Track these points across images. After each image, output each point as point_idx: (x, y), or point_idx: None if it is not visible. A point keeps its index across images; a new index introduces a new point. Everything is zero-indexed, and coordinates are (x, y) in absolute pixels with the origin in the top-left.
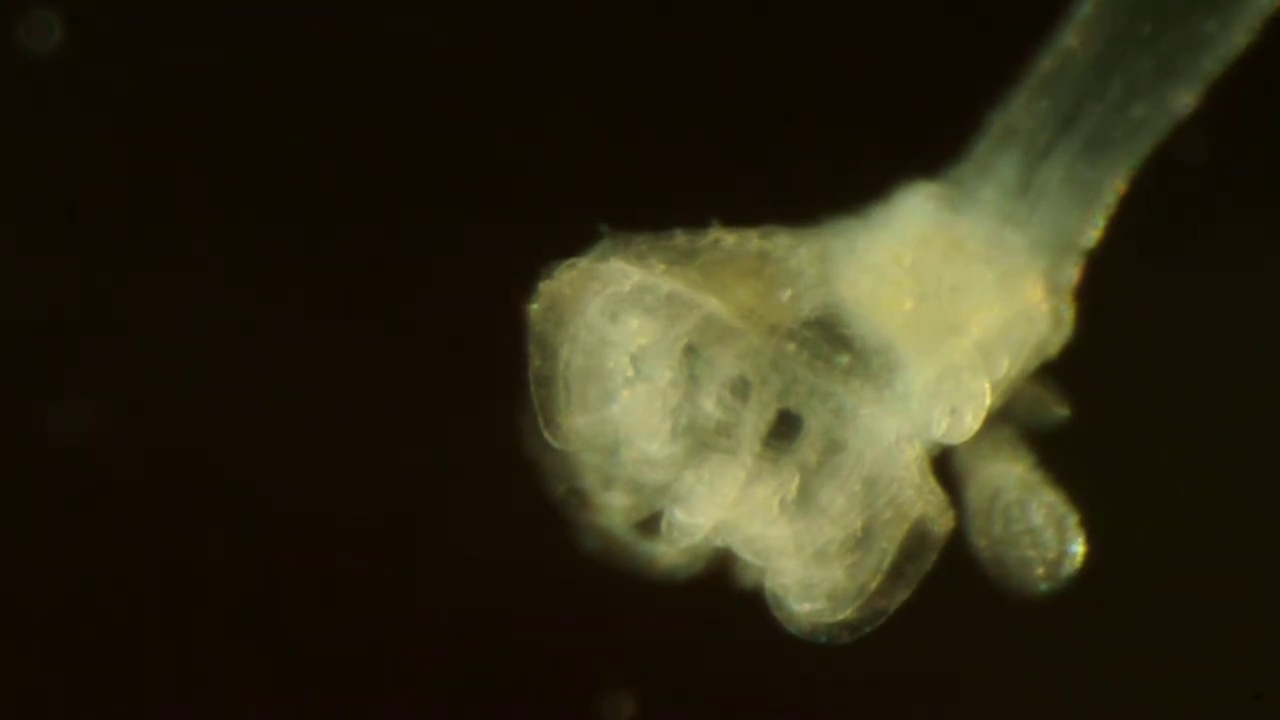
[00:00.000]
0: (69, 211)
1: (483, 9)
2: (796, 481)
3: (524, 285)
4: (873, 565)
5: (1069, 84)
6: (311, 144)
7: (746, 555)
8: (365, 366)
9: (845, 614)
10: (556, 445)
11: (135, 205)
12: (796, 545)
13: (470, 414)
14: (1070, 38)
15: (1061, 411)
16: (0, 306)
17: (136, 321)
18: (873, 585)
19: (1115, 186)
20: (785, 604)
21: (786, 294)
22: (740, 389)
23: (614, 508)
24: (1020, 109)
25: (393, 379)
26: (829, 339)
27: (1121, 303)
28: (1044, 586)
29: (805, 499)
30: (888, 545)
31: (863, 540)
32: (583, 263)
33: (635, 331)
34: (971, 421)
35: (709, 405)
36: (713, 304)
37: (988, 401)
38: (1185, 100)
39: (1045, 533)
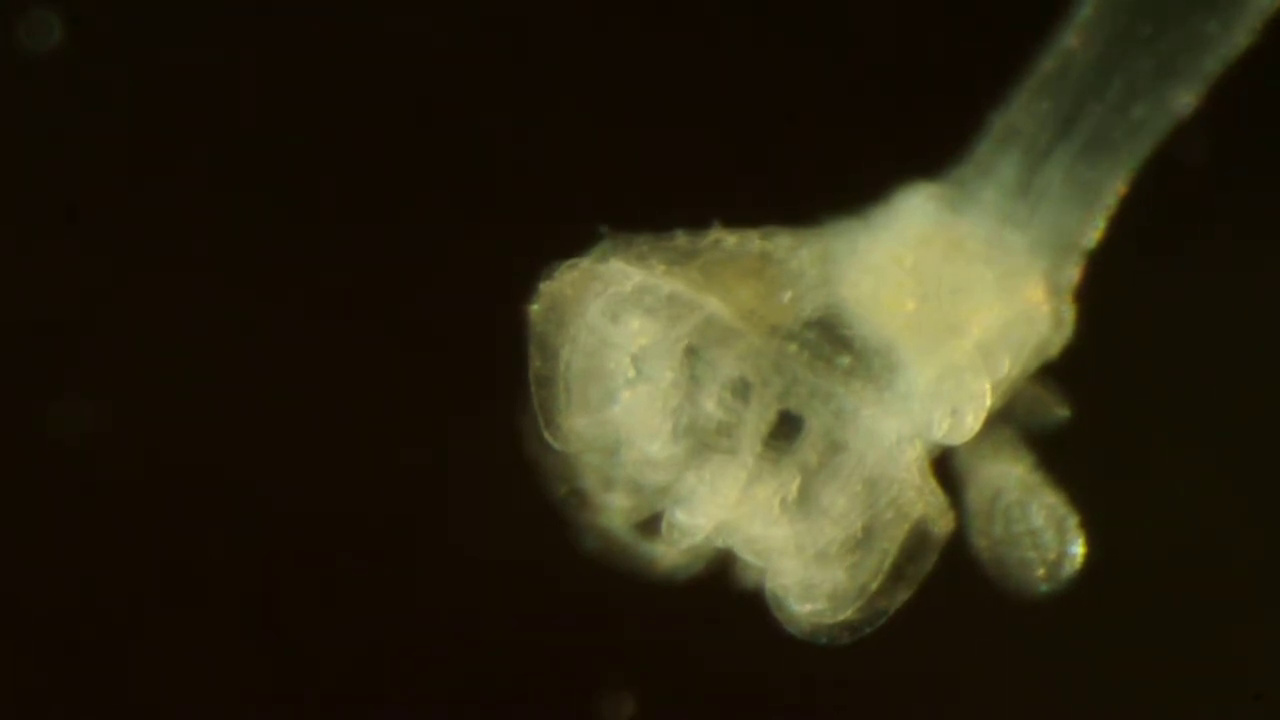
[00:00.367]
0: (69, 211)
1: (483, 9)
2: (797, 482)
3: (524, 285)
4: (873, 566)
5: (1069, 84)
6: (311, 144)
7: (747, 556)
8: (365, 366)
9: (846, 615)
10: (557, 446)
11: (135, 205)
12: (797, 546)
13: (470, 414)
14: (1071, 38)
15: (1061, 411)
16: (0, 306)
17: (136, 321)
18: (873, 586)
19: (1115, 187)
20: (786, 605)
21: (787, 295)
22: (741, 390)
23: (614, 508)
24: (1021, 109)
25: (393, 379)
26: (830, 340)
27: (1121, 303)
28: (1044, 587)
29: (806, 500)
30: (888, 546)
31: (863, 541)
32: (583, 263)
33: (636, 332)
34: (972, 422)
35: (710, 406)
36: (714, 305)
37: (988, 402)
38: (1185, 100)
39: (1045, 534)
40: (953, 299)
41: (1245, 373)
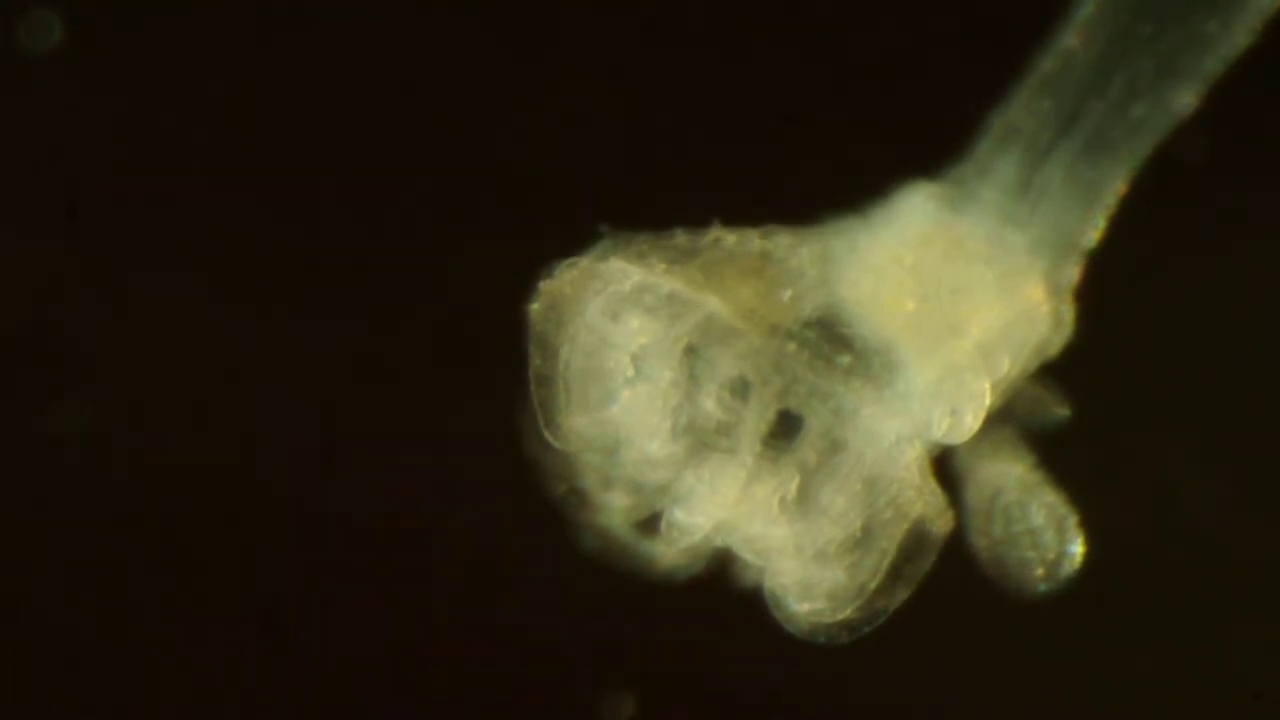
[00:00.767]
0: (69, 211)
1: (484, 9)
2: (796, 481)
3: (524, 285)
4: (872, 565)
5: (1070, 84)
6: (311, 144)
7: (746, 555)
8: (365, 366)
9: (845, 614)
10: (557, 445)
11: (135, 205)
12: (796, 545)
13: (470, 414)
14: (1071, 38)
15: (1061, 411)
16: (0, 306)
17: (136, 321)
18: (872, 585)
19: (1116, 186)
20: (785, 604)
21: (787, 294)
22: (741, 389)
23: (614, 508)
24: (1021, 109)
25: (393, 379)
26: (830, 339)
27: (1121, 303)
28: (1043, 587)
29: (805, 499)
30: (887, 545)
31: (862, 540)
32: (583, 262)
33: (636, 331)
34: (972, 422)
35: (709, 405)
36: (713, 304)
37: (988, 402)
38: (1185, 100)
39: (1045, 533)
40: (953, 299)
41: (1245, 372)
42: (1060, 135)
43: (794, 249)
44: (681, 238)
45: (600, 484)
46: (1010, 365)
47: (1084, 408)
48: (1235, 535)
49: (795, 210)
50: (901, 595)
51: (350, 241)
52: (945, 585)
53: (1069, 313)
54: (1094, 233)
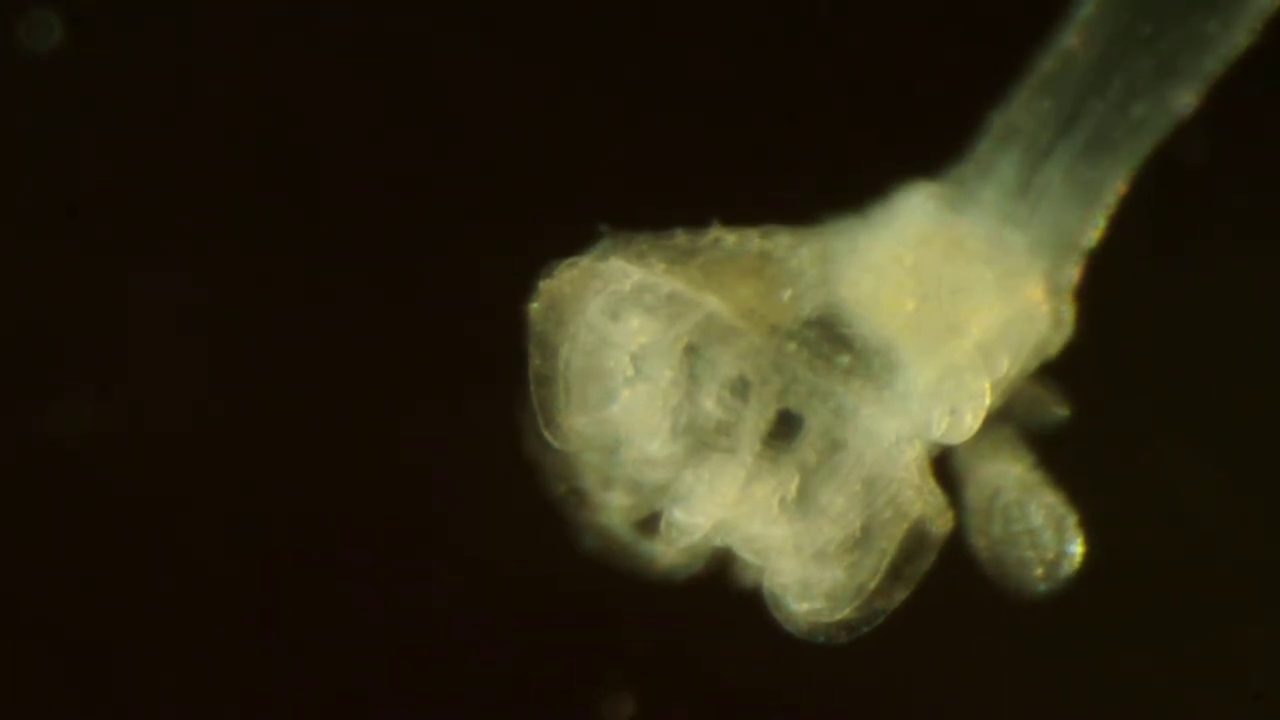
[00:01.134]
0: (69, 211)
1: (483, 9)
2: (796, 481)
3: (524, 285)
4: (872, 565)
5: (1070, 84)
6: (311, 143)
7: (746, 555)
8: (365, 366)
9: (844, 614)
10: (556, 445)
11: (135, 205)
12: (795, 545)
13: (470, 414)
14: (1071, 38)
15: (1061, 411)
16: (0, 306)
17: (136, 321)
18: (871, 585)
19: (1116, 186)
20: (784, 603)
21: (787, 294)
22: (740, 388)
23: (614, 507)
24: (1021, 109)
25: (393, 379)
26: (829, 339)
27: (1121, 303)
28: (1043, 587)
29: (805, 499)
30: (887, 545)
31: (862, 540)
32: (583, 262)
33: (636, 331)
34: (971, 422)
35: (709, 405)
36: (713, 303)
37: (988, 401)
38: (1185, 100)
39: (1044, 533)
40: (953, 298)
41: (1245, 373)
42: (1060, 135)
43: (794, 249)
44: (681, 238)
45: (600, 484)
46: (1010, 365)
47: (1084, 408)
48: (1235, 535)
49: (795, 210)
50: (900, 595)
51: (350, 241)
52: (945, 585)
53: (1069, 313)
54: (1094, 233)
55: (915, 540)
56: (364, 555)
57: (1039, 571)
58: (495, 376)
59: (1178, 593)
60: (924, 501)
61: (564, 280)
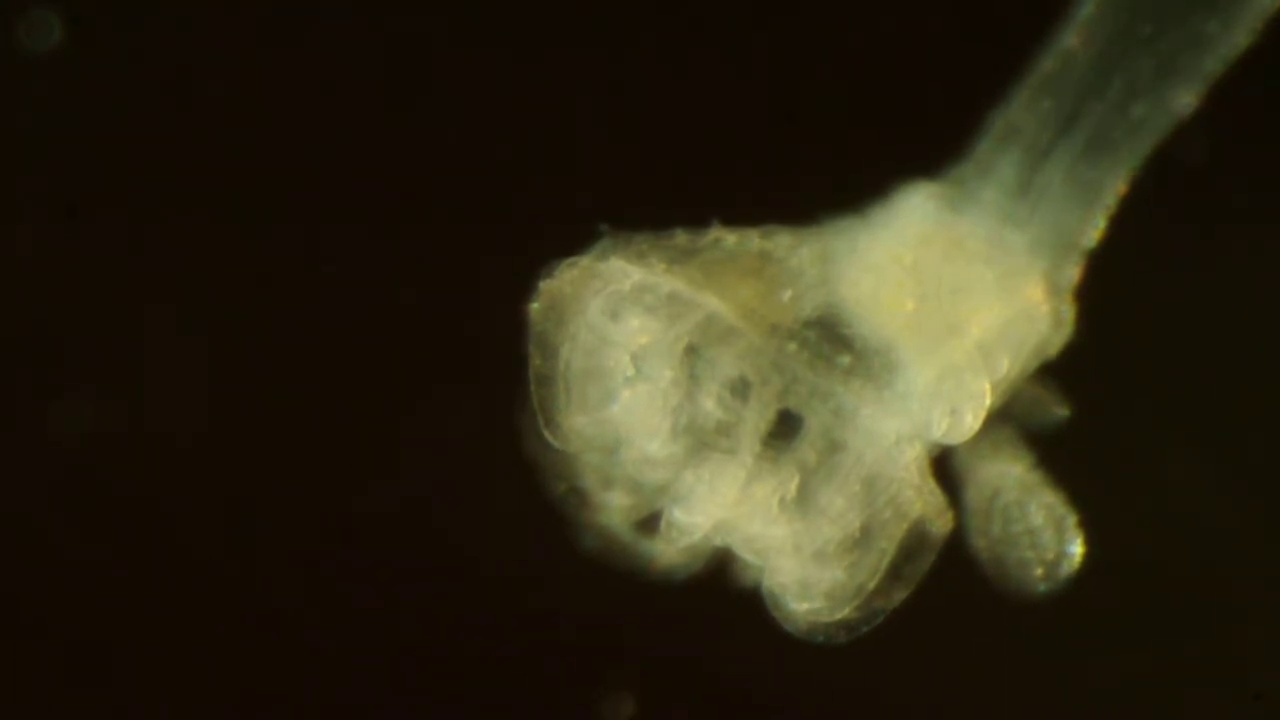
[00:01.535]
0: (69, 211)
1: (483, 9)
2: (796, 481)
3: (524, 285)
4: (871, 565)
5: (1070, 84)
6: (311, 144)
7: (745, 554)
8: (365, 366)
9: (843, 613)
10: (557, 445)
11: (135, 205)
12: (795, 545)
13: (470, 414)
14: (1071, 38)
15: (1061, 411)
16: (0, 306)
17: (136, 321)
18: (871, 585)
19: (1116, 186)
20: (784, 603)
21: (787, 294)
22: (741, 389)
23: (614, 507)
24: (1021, 109)
25: (393, 379)
26: (830, 339)
27: (1121, 303)
28: (1042, 587)
29: (805, 499)
30: (886, 545)
31: (861, 540)
32: (583, 262)
33: (636, 331)
34: (972, 422)
35: (709, 405)
36: (713, 303)
37: (988, 402)
38: (1185, 100)
39: (1044, 533)
40: (953, 298)
41: (1245, 373)
42: (1060, 135)
43: (794, 249)
44: (681, 238)
45: (600, 484)
46: (1010, 365)
47: (1084, 408)
48: (1235, 535)
49: (795, 210)
50: (900, 595)
51: (350, 241)
52: (945, 585)
53: (1069, 313)
54: (1094, 233)
55: (915, 540)
56: (364, 555)
57: (1039, 572)
58: (495, 376)
59: (1178, 593)
60: (924, 502)
61: (564, 280)
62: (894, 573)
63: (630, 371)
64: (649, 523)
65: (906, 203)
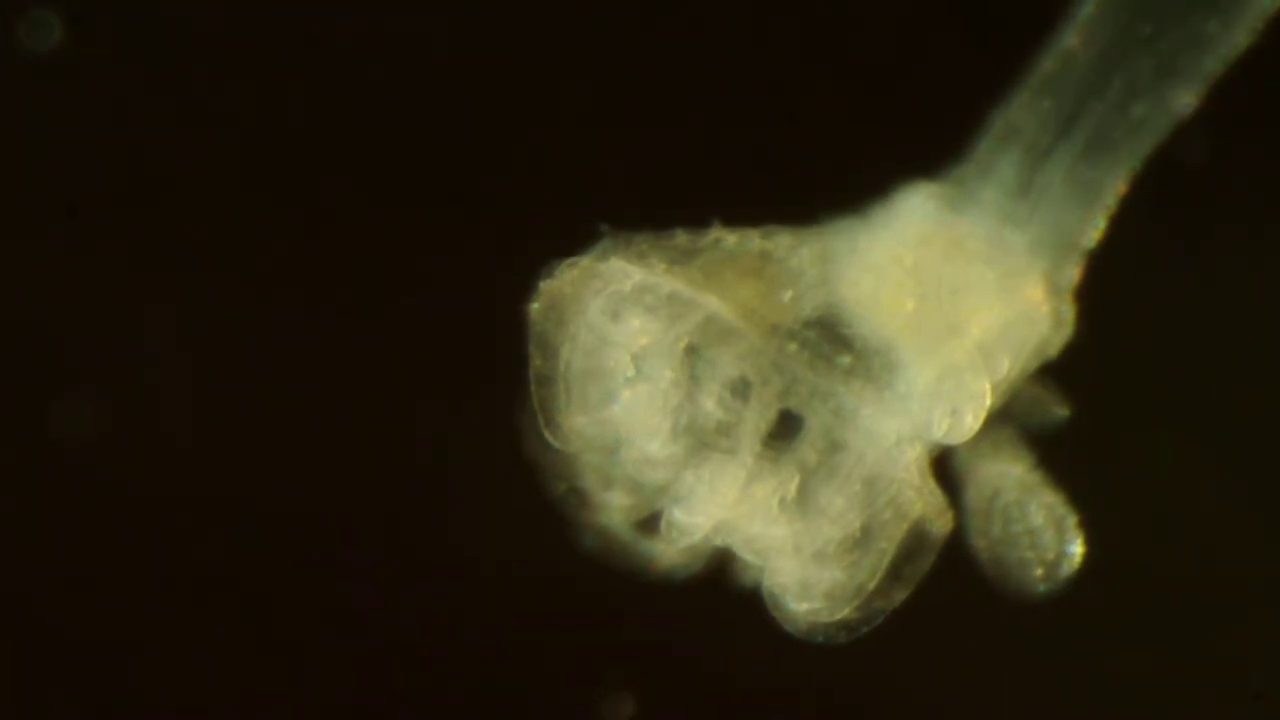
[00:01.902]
0: (69, 211)
1: (483, 9)
2: (796, 482)
3: (524, 285)
4: (871, 565)
5: (1070, 84)
6: (311, 143)
7: (745, 555)
8: (365, 367)
9: (843, 614)
10: (557, 445)
11: (135, 205)
12: (795, 545)
13: (470, 414)
14: (1071, 38)
15: (1061, 411)
16: (0, 306)
17: (136, 321)
18: (871, 585)
19: (1116, 186)
20: (783, 603)
21: (788, 294)
22: (741, 389)
23: (614, 507)
24: (1021, 109)
25: (393, 379)
26: (830, 339)
27: (1121, 303)
28: (1043, 587)
29: (805, 499)
30: (886, 545)
31: (861, 540)
32: (584, 262)
33: (636, 331)
34: (972, 422)
35: (710, 405)
36: (714, 304)
37: (988, 402)
38: (1186, 100)
39: (1044, 534)
40: (953, 299)
41: (1245, 373)
42: (1060, 135)
43: (794, 249)
44: (682, 238)
45: (600, 484)
46: (1010, 365)
47: (1084, 408)
48: (1235, 535)
49: (795, 210)
50: (900, 595)
51: (350, 241)
52: (945, 585)
53: (1069, 313)
54: (1094, 233)
55: (915, 541)
56: (364, 555)
57: (1039, 572)
58: (495, 376)
59: (1178, 593)
60: (924, 502)
61: (564, 280)
62: (894, 573)
63: (630, 372)
64: (649, 523)
65: (906, 203)
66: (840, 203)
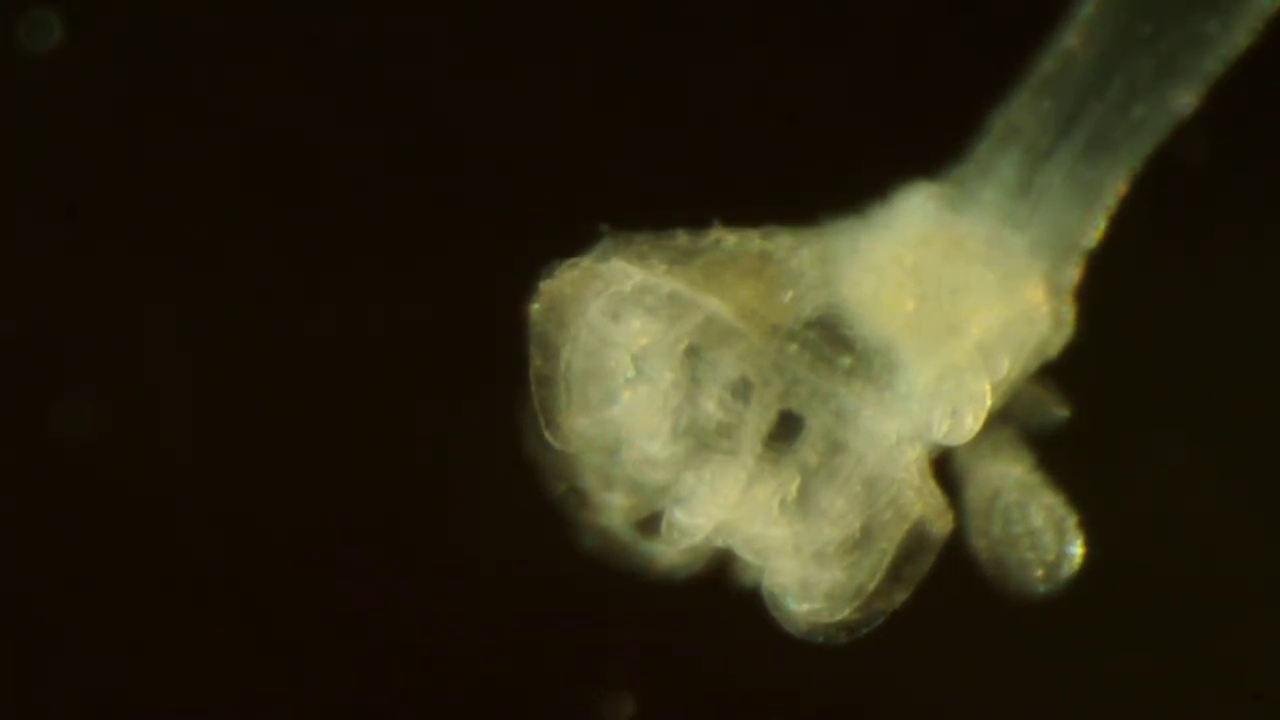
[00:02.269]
0: (69, 211)
1: (483, 9)
2: (797, 482)
3: (524, 285)
4: (871, 566)
5: (1070, 84)
6: (311, 143)
7: (746, 555)
8: (365, 366)
9: (843, 614)
10: (557, 445)
11: (135, 205)
12: (796, 546)
13: (470, 414)
14: (1071, 38)
15: (1061, 412)
16: (0, 306)
17: (136, 321)
18: (871, 586)
19: (1116, 186)
20: (784, 604)
21: (788, 295)
22: (742, 390)
23: (614, 508)
24: (1022, 109)
25: (393, 379)
26: (830, 340)
27: (1121, 303)
28: (1043, 588)
29: (805, 500)
30: (887, 546)
31: (862, 541)
32: (584, 262)
33: (637, 332)
34: (972, 423)
35: (710, 406)
36: (714, 304)
37: (988, 402)
38: (1186, 100)
39: (1044, 534)
40: (953, 299)
41: (1245, 373)
42: (1060, 136)
43: (794, 249)
44: (682, 238)
45: (600, 484)
46: (1010, 366)
47: (1084, 408)
48: (1235, 535)
49: (795, 210)
50: (900, 596)
51: (350, 241)
52: (945, 585)
53: (1069, 313)
54: (1094, 233)
55: (915, 541)
56: (364, 555)
57: (1039, 573)
58: (495, 376)
59: (1178, 593)
60: (924, 503)
61: (565, 281)
62: (894, 574)
63: (631, 372)
64: (649, 523)
65: (907, 203)
66: (840, 203)
